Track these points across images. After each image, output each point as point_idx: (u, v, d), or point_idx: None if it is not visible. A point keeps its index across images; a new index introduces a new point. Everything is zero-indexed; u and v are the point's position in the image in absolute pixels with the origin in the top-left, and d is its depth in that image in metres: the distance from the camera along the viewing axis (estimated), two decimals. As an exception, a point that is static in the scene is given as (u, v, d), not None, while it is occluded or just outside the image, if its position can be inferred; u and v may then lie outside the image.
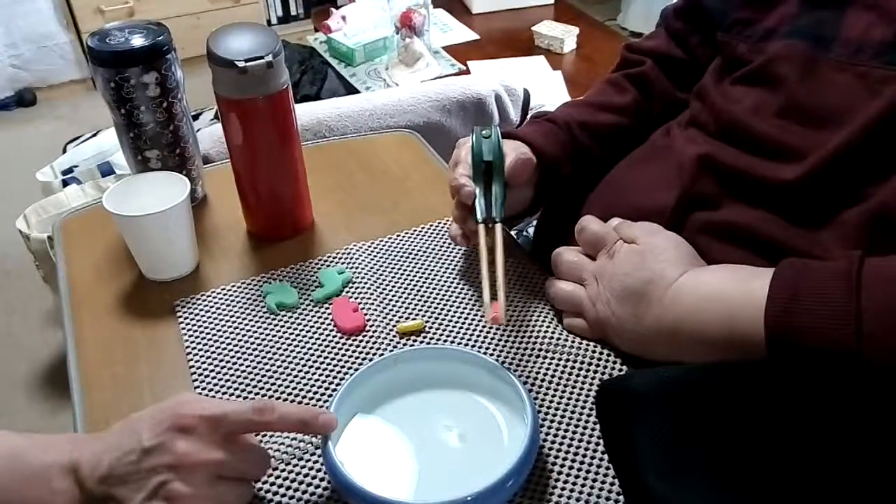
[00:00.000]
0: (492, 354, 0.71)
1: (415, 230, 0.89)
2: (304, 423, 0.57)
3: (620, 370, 0.69)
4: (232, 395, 0.69)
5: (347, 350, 0.73)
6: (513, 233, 0.99)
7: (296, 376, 0.71)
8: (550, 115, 0.88)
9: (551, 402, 0.67)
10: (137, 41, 0.80)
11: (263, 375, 0.71)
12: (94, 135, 2.06)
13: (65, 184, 1.85)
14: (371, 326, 0.75)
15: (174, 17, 3.15)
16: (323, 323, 0.76)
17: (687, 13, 0.90)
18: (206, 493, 0.52)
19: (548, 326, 0.74)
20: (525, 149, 0.81)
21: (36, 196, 1.83)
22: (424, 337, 0.74)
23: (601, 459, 0.61)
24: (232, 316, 0.78)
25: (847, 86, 0.65)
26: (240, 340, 0.75)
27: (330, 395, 0.68)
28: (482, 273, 0.70)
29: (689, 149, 0.75)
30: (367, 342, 0.74)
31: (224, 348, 0.74)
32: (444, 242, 0.87)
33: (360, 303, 0.78)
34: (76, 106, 3.11)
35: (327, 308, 0.78)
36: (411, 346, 0.73)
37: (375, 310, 0.77)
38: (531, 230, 1.02)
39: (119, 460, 0.51)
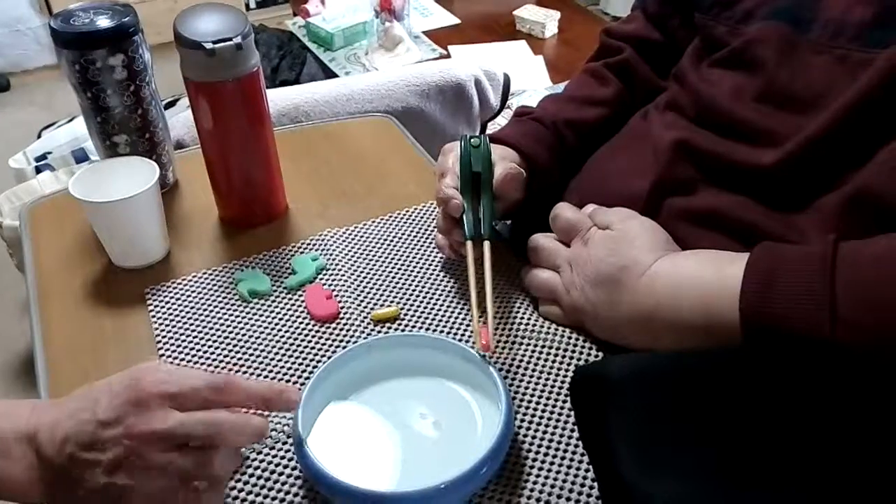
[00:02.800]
0: (467, 342, 0.71)
1: (390, 216, 0.88)
2: (266, 401, 0.56)
3: (596, 357, 0.69)
4: (202, 384, 0.68)
5: (321, 338, 0.72)
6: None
7: (268, 364, 0.70)
8: (536, 112, 0.86)
9: (526, 389, 0.66)
10: (103, 22, 0.78)
11: (235, 364, 0.70)
12: (70, 121, 2.03)
13: (38, 170, 1.82)
14: (345, 314, 0.74)
15: (150, 0, 3.11)
16: (296, 310, 0.75)
17: None
18: (166, 462, 0.50)
19: (524, 313, 0.73)
20: (514, 156, 0.80)
21: (9, 183, 1.80)
22: (399, 324, 0.73)
23: (576, 447, 0.61)
24: (203, 304, 0.76)
25: (826, 69, 0.64)
26: (211, 328, 0.73)
27: (303, 384, 0.67)
28: (471, 295, 0.68)
29: (666, 134, 0.74)
30: (341, 330, 0.73)
31: (195, 337, 0.73)
32: (420, 229, 0.86)
33: (334, 290, 0.77)
34: (51, 92, 3.06)
35: (300, 295, 0.77)
36: (386, 333, 0.72)
37: (349, 297, 0.76)
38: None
39: (75, 429, 0.50)
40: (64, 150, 1.84)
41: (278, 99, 1.41)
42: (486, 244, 0.72)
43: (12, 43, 3.12)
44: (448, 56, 2.48)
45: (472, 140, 0.75)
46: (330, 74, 2.39)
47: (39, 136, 2.03)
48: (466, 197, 0.74)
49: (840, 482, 0.48)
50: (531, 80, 2.41)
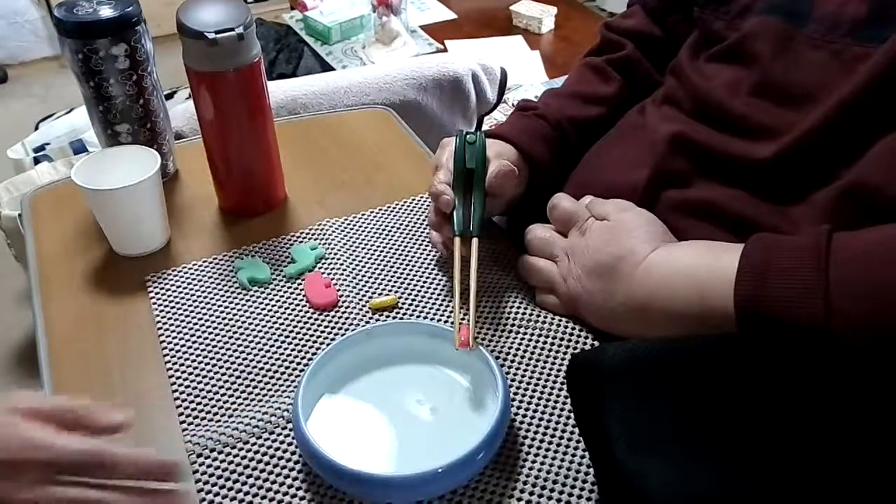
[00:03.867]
0: (464, 330, 0.71)
1: (388, 206, 0.89)
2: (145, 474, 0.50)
3: (592, 346, 0.69)
4: (203, 371, 0.69)
5: (320, 325, 0.73)
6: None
7: (268, 352, 0.70)
8: (540, 108, 0.86)
9: (523, 376, 0.67)
10: (106, 12, 0.79)
11: (235, 351, 0.70)
12: (68, 112, 2.03)
13: (36, 161, 1.83)
14: (344, 302, 0.75)
15: (149, -7, 3.10)
16: (295, 299, 0.76)
17: None
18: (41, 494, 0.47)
19: (520, 303, 0.74)
20: (512, 152, 0.80)
21: (7, 174, 1.81)
22: (397, 313, 0.74)
23: (572, 433, 0.62)
24: (203, 291, 0.77)
25: (821, 64, 0.65)
26: (211, 316, 0.74)
27: (301, 371, 0.68)
28: (454, 292, 0.69)
29: (663, 127, 0.74)
30: (340, 318, 0.74)
31: (195, 324, 0.73)
32: (418, 219, 0.87)
33: (332, 278, 0.78)
34: (49, 84, 3.05)
35: (300, 284, 0.78)
36: (384, 321, 0.73)
37: (348, 285, 0.77)
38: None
39: None
40: (62, 142, 1.84)
41: (277, 91, 1.41)
42: (475, 241, 0.72)
43: (10, 35, 3.12)
44: (445, 51, 2.49)
45: (467, 136, 0.76)
46: (327, 68, 2.40)
47: (37, 128, 2.03)
48: (459, 193, 0.75)
49: (830, 466, 0.49)
50: (528, 75, 2.42)
